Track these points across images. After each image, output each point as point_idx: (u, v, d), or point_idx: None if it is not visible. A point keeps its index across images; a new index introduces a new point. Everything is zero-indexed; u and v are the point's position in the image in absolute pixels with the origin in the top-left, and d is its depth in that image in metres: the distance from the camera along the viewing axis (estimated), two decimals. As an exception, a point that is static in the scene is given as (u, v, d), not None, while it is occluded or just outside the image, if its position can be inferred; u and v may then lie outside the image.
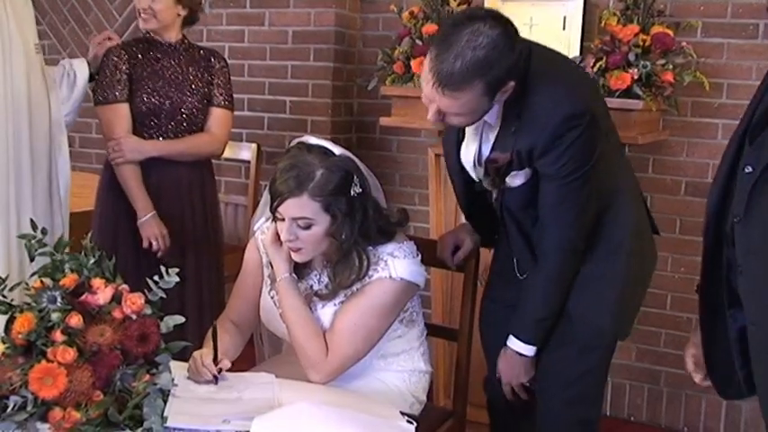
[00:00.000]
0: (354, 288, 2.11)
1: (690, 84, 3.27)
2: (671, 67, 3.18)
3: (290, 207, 2.01)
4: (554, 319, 2.24)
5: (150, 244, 2.96)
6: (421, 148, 3.93)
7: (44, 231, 1.76)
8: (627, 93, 3.12)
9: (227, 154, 4.14)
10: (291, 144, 2.13)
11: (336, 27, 4.04)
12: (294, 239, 2.04)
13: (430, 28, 3.41)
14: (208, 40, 4.28)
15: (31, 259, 1.76)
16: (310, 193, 1.99)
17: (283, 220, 2.04)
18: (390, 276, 2.09)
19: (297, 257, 2.11)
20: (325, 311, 2.14)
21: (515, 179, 2.16)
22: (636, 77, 3.12)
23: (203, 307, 3.04)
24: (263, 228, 2.27)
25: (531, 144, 2.07)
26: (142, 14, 2.99)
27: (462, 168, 2.32)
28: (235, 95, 4.15)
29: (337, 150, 2.09)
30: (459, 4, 3.46)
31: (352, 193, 2.04)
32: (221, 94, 3.13)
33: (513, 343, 2.26)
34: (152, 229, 2.96)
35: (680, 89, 3.28)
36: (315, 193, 1.99)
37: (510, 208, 2.23)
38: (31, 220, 1.81)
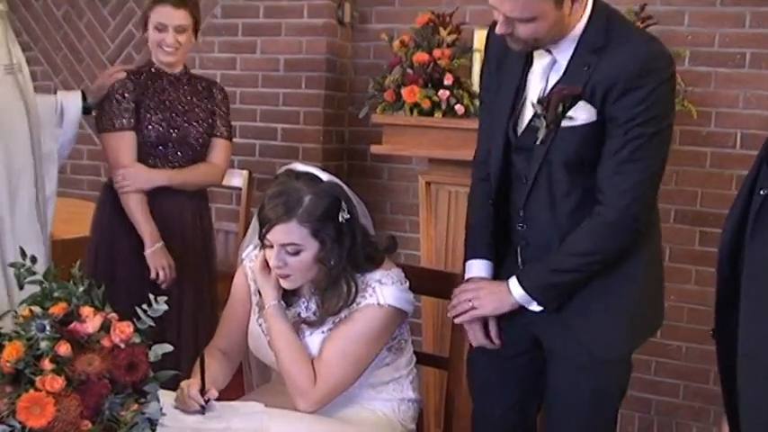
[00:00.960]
0: (342, 315, 2.11)
1: (678, 112, 3.27)
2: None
3: (279, 233, 2.02)
4: (570, 282, 2.05)
5: (157, 274, 2.96)
6: (412, 175, 3.94)
7: (33, 259, 1.76)
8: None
9: (218, 181, 4.18)
10: (279, 171, 2.15)
11: (328, 55, 4.06)
12: (283, 266, 2.05)
13: (421, 57, 3.43)
14: (200, 67, 4.30)
15: (21, 287, 1.75)
16: (299, 218, 2.00)
17: (272, 246, 2.04)
18: (378, 303, 2.09)
19: (285, 284, 2.11)
20: (313, 339, 2.13)
21: (579, 114, 1.98)
22: (624, 106, 3.13)
23: (200, 335, 3.03)
24: (251, 255, 2.28)
25: (610, 80, 1.93)
26: (166, 48, 3.00)
27: (505, 125, 2.13)
28: (226, 123, 4.22)
29: (325, 177, 2.11)
30: (449, 33, 3.49)
31: (340, 218, 2.05)
32: (223, 125, 3.17)
33: (511, 279, 2.11)
34: (160, 260, 2.97)
35: (668, 118, 3.31)
36: (303, 219, 2.01)
37: (552, 160, 2.02)
38: (21, 249, 1.80)
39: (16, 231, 2.56)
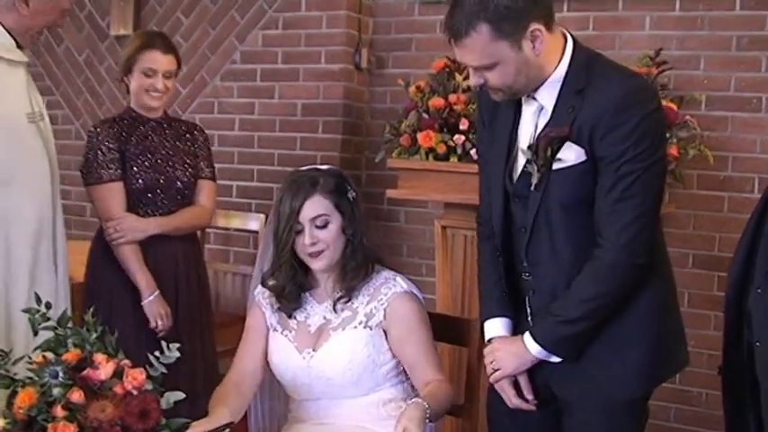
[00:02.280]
0: (379, 317, 2.21)
1: (695, 156, 3.29)
2: (675, 140, 3.20)
3: (308, 209, 2.19)
4: (584, 331, 2.02)
5: (155, 324, 2.95)
6: (428, 219, 3.94)
7: (48, 305, 1.77)
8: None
9: (236, 224, 4.21)
10: (285, 179, 2.29)
11: (345, 100, 4.10)
12: (316, 241, 2.19)
13: (436, 102, 3.45)
14: (219, 112, 4.35)
15: (35, 333, 1.76)
16: (321, 192, 2.20)
17: (301, 231, 2.19)
18: (404, 290, 2.24)
19: (320, 263, 2.22)
20: (344, 336, 2.21)
21: (568, 155, 1.97)
22: (641, 151, 3.13)
23: (197, 381, 2.99)
24: (263, 292, 2.35)
25: (594, 118, 1.92)
26: (154, 94, 3.00)
27: (502, 175, 2.13)
28: (244, 166, 4.27)
29: (326, 166, 2.33)
30: (464, 78, 3.51)
31: (349, 196, 2.25)
32: (207, 167, 3.15)
33: (525, 335, 2.09)
34: (158, 309, 2.95)
35: (685, 162, 3.31)
36: (324, 192, 2.20)
37: (550, 201, 2.02)
38: (36, 294, 1.82)
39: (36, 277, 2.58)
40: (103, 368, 1.69)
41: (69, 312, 1.80)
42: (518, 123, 2.10)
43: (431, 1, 3.98)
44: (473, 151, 3.33)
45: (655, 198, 1.99)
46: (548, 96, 2.01)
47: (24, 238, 2.55)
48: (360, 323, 2.21)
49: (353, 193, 2.27)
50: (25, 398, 1.65)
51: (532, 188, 2.03)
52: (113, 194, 2.95)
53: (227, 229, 4.28)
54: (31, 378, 1.70)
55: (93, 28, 4.73)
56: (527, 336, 2.08)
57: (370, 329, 2.21)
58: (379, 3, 4.16)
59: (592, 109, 1.93)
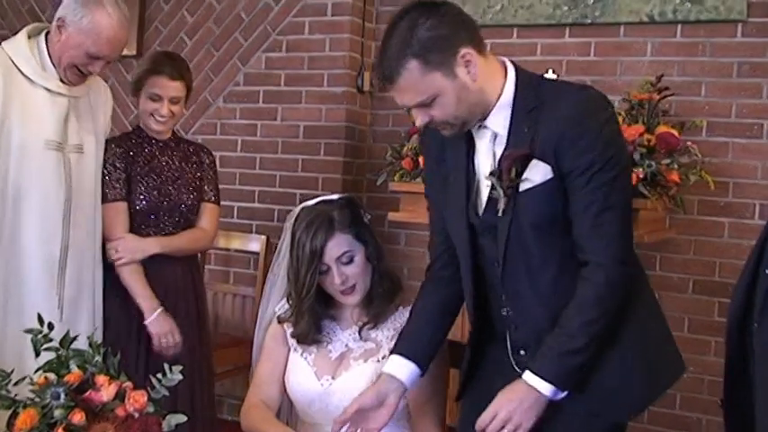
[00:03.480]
0: None
1: (695, 182, 3.30)
2: (676, 166, 3.22)
3: (332, 249, 2.16)
4: (591, 357, 1.90)
5: (159, 342, 2.92)
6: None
7: (50, 326, 1.77)
8: (632, 192, 3.14)
9: (236, 245, 4.21)
10: (292, 215, 2.29)
11: (347, 122, 4.11)
12: (345, 279, 2.18)
13: (438, 125, 3.47)
14: (221, 133, 4.37)
15: (37, 354, 1.76)
16: (339, 229, 2.17)
17: (327, 270, 2.17)
18: None
19: (354, 298, 2.21)
20: (365, 368, 2.19)
21: (534, 175, 1.89)
22: (641, 177, 3.15)
23: (195, 402, 2.99)
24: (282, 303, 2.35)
25: (555, 134, 1.86)
26: (159, 119, 2.98)
27: (464, 210, 2.03)
28: (246, 187, 4.28)
29: (335, 196, 2.31)
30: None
31: (365, 220, 2.25)
32: (211, 190, 3.14)
33: (529, 377, 1.90)
34: (162, 326, 2.92)
35: (685, 188, 3.32)
36: (342, 228, 2.18)
37: (520, 227, 1.93)
38: (39, 315, 1.81)
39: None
40: (105, 390, 1.69)
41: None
42: (473, 156, 2.02)
43: (433, 25, 4.00)
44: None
45: (629, 204, 1.97)
46: (500, 122, 1.94)
47: (24, 255, 2.61)
48: (383, 357, 2.19)
49: (368, 216, 2.27)
50: (26, 419, 1.65)
51: (500, 213, 1.94)
52: (117, 214, 2.93)
53: (228, 249, 4.29)
54: (32, 399, 1.69)
55: (97, 48, 4.75)
56: (533, 379, 1.90)
57: None
58: (382, 27, 4.15)
59: (549, 125, 1.87)
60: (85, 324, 2.72)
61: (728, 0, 3.45)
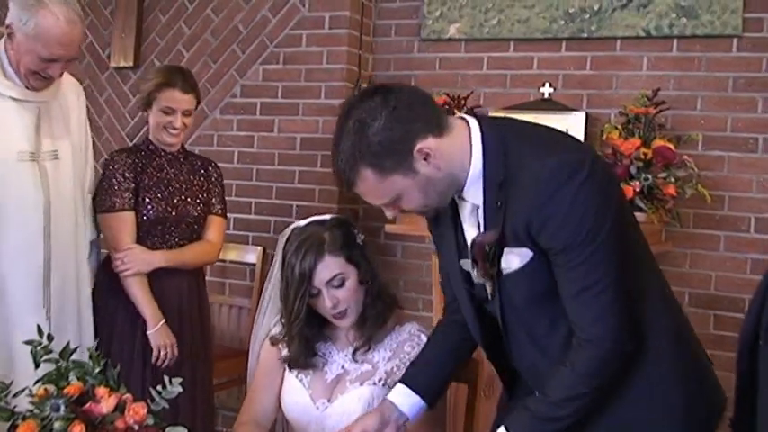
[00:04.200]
0: (396, 370, 2.17)
1: (692, 196, 3.32)
2: (673, 180, 3.24)
3: (321, 272, 2.11)
4: (570, 424, 1.78)
5: (158, 354, 2.95)
6: (425, 254, 3.95)
7: (50, 338, 1.77)
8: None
9: (232, 257, 4.21)
10: (284, 235, 2.24)
11: (344, 135, 4.11)
12: (336, 302, 2.13)
13: (435, 138, 3.47)
14: (218, 144, 4.37)
15: (36, 366, 1.76)
16: (330, 252, 2.11)
17: (318, 294, 2.12)
18: None
19: (346, 321, 2.17)
20: (359, 392, 2.16)
21: (511, 261, 1.77)
22: (638, 190, 3.17)
23: (196, 416, 3.02)
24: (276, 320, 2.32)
25: (524, 216, 1.70)
26: (172, 131, 3.02)
27: (464, 272, 1.93)
28: (242, 199, 4.28)
29: (327, 216, 2.25)
30: (466, 113, 3.54)
31: (358, 241, 2.19)
32: (218, 203, 3.18)
33: None
34: (163, 339, 2.95)
35: (682, 201, 3.33)
36: (333, 250, 2.12)
37: (514, 306, 1.82)
38: (38, 326, 1.81)
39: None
40: (105, 402, 1.68)
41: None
42: (460, 225, 1.89)
43: (431, 39, 4.03)
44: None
45: (619, 273, 1.72)
46: (475, 194, 1.80)
47: (6, 269, 2.59)
48: (379, 380, 2.17)
49: (361, 237, 2.20)
50: (26, 431, 1.64)
51: (489, 297, 1.86)
52: (124, 223, 2.96)
53: (224, 261, 4.28)
54: (31, 411, 1.69)
55: (94, 59, 4.76)
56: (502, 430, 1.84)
57: (389, 388, 2.12)
58: (380, 40, 4.20)
59: (518, 204, 1.72)
60: (73, 334, 2.70)
61: (724, 15, 3.47)
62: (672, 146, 3.29)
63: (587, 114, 3.46)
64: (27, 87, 2.60)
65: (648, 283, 1.85)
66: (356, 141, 1.72)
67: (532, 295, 1.79)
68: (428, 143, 1.73)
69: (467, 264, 1.88)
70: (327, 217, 2.24)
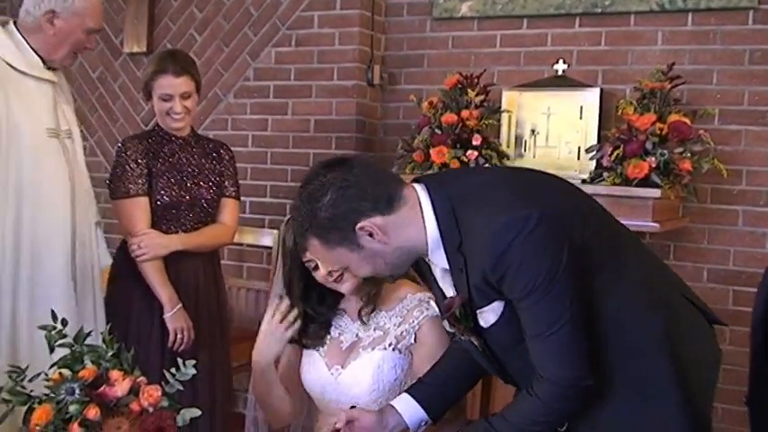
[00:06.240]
0: (410, 340, 2.20)
1: (708, 171, 3.29)
2: (689, 154, 3.21)
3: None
4: None
5: (175, 338, 2.97)
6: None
7: (64, 322, 1.78)
8: (645, 181, 3.14)
9: (249, 240, 4.22)
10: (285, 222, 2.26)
11: (357, 116, 4.11)
12: (329, 272, 2.13)
13: (449, 118, 3.47)
14: (232, 128, 4.37)
15: (51, 350, 1.77)
16: None
17: (316, 267, 2.13)
18: (436, 315, 2.15)
19: (344, 287, 2.16)
20: (372, 356, 2.20)
21: (487, 318, 1.83)
22: (654, 166, 3.14)
23: (215, 398, 3.05)
24: None
25: (482, 275, 1.76)
26: (175, 116, 3.02)
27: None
28: (258, 182, 4.28)
29: None
30: (477, 95, 3.53)
31: None
32: (231, 185, 3.18)
33: None
34: (179, 323, 2.97)
35: (698, 176, 3.31)
36: None
37: (505, 347, 1.88)
38: (52, 311, 1.82)
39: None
40: (119, 385, 1.70)
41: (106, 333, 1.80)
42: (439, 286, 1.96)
43: (443, 17, 4.00)
44: (486, 167, 3.33)
45: (570, 308, 1.74)
46: (440, 259, 1.84)
47: (36, 249, 2.65)
48: (389, 345, 2.21)
49: None
50: (42, 415, 1.66)
51: (477, 347, 1.91)
52: (138, 209, 2.98)
53: (241, 244, 4.29)
54: (47, 395, 1.70)
55: (107, 45, 4.76)
56: None
57: (399, 352, 2.20)
58: (392, 20, 4.18)
59: (475, 266, 1.77)
60: (91, 307, 2.81)
61: (739, -13, 3.43)
62: (688, 120, 3.26)
63: (602, 90, 3.43)
64: (49, 69, 2.73)
65: (633, 296, 1.84)
66: (306, 212, 1.82)
67: (519, 337, 1.82)
68: (374, 221, 1.79)
69: (445, 325, 1.93)
70: None
